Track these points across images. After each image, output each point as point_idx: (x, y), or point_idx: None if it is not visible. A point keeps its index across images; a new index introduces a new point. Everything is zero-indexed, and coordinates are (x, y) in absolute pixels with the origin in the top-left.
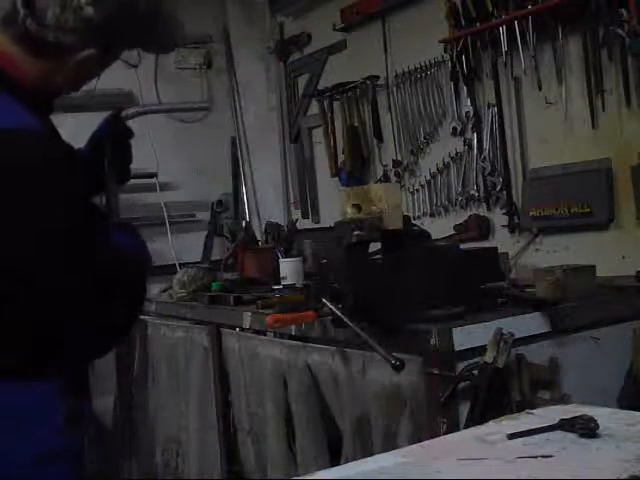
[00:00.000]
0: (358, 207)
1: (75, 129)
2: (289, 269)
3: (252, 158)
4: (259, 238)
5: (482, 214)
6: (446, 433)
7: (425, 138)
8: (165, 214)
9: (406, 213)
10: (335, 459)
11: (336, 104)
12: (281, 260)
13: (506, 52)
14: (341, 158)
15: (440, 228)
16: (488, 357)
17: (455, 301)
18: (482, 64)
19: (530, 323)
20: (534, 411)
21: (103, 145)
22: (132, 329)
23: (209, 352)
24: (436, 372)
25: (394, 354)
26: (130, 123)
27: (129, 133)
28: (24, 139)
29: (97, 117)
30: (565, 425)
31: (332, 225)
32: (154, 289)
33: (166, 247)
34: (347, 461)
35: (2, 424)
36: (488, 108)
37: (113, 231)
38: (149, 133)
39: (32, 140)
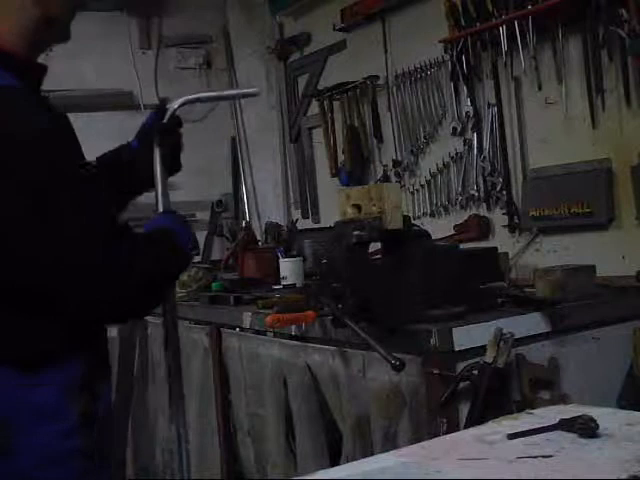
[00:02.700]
0: (358, 207)
1: (75, 129)
2: (289, 269)
3: (252, 158)
4: (259, 238)
5: (482, 214)
6: (446, 433)
7: (425, 138)
8: None
9: (406, 213)
10: (335, 459)
11: (336, 104)
12: (281, 260)
13: (506, 52)
14: (341, 158)
15: (440, 228)
16: (488, 357)
17: (455, 301)
18: (482, 64)
19: (530, 323)
20: (534, 411)
21: (152, 136)
22: (148, 311)
23: (209, 352)
24: (436, 372)
25: (394, 354)
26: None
27: (178, 122)
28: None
29: (97, 117)
30: (565, 425)
31: (332, 225)
32: None
33: None
34: (347, 461)
35: (16, 422)
36: (488, 108)
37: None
38: None
39: (8, 95)
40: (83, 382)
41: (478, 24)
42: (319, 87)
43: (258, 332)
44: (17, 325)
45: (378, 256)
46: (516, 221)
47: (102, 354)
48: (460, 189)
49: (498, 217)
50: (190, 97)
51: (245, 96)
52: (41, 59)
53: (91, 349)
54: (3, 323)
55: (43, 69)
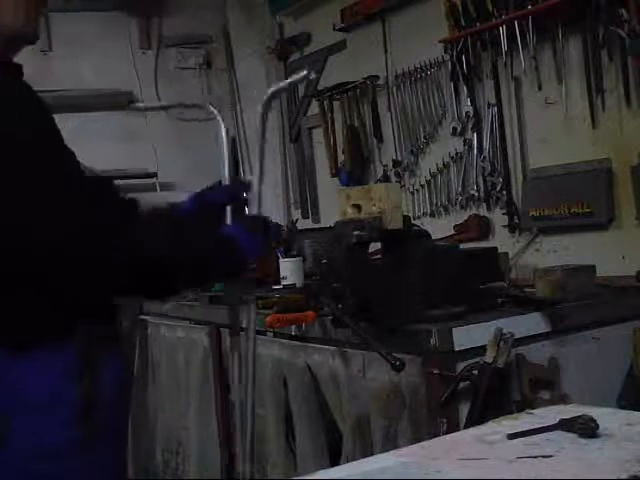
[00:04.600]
0: (358, 207)
1: (75, 129)
2: (289, 269)
3: (252, 158)
4: None
5: (482, 214)
6: (446, 433)
7: (425, 138)
8: None
9: (406, 213)
10: (335, 459)
11: (336, 104)
12: (281, 260)
13: (506, 52)
14: (341, 158)
15: (440, 228)
16: (488, 357)
17: (455, 301)
18: (482, 64)
19: (530, 323)
20: (534, 411)
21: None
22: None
23: (209, 352)
24: (436, 372)
25: (394, 354)
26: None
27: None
28: None
29: (97, 117)
30: (565, 425)
31: (332, 225)
32: None
33: None
34: (347, 461)
35: (9, 413)
36: (488, 108)
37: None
38: (149, 132)
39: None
40: (83, 366)
41: (478, 24)
42: (319, 87)
43: (258, 332)
44: (5, 304)
45: (378, 256)
46: (516, 221)
47: (108, 331)
48: (460, 189)
49: (498, 217)
50: (273, 89)
51: (297, 82)
52: (40, 59)
53: (91, 329)
54: None
55: (20, 69)
